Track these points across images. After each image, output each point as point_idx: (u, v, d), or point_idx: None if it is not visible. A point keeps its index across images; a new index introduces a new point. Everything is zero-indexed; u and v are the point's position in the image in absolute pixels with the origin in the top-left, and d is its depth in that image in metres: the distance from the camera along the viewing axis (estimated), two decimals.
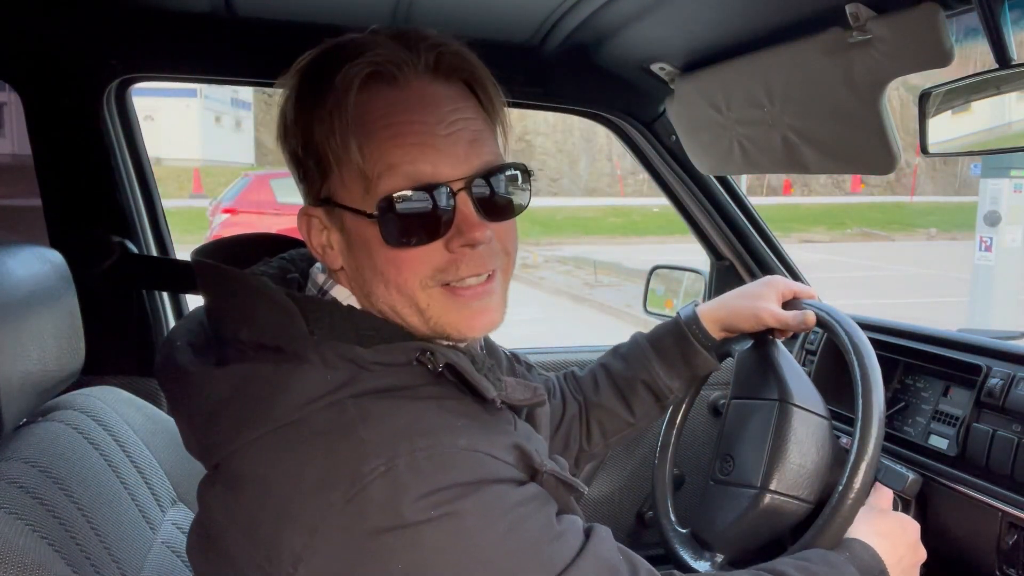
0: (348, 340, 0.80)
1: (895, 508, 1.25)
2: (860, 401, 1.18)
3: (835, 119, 1.42)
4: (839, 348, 1.26)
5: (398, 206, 0.80)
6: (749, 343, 1.36)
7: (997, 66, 1.11)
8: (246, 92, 27.93)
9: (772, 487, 1.22)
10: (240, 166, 22.41)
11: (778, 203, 21.15)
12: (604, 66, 1.84)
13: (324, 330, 0.81)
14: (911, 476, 1.25)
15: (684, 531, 1.37)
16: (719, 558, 1.27)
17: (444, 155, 0.81)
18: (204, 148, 26.37)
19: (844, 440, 1.28)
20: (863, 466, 1.14)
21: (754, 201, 2.10)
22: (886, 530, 1.13)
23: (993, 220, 7.54)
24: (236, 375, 0.79)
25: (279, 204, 10.98)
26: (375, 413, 0.76)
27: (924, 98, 1.23)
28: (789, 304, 1.34)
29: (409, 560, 0.71)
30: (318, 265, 0.92)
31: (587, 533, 0.82)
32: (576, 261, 13.53)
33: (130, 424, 1.20)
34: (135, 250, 1.73)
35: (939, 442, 1.43)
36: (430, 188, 0.80)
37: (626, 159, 23.07)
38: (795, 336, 1.74)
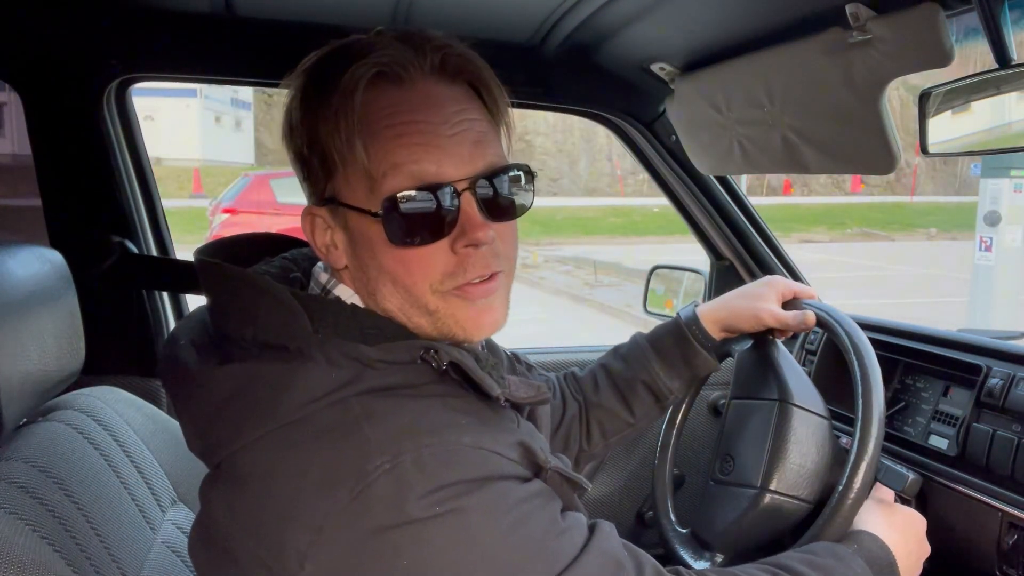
0: (352, 339, 0.81)
1: None
2: (860, 401, 1.18)
3: (835, 119, 1.42)
4: (839, 348, 1.26)
5: (402, 206, 0.80)
6: (749, 343, 1.36)
7: (997, 66, 1.11)
8: (246, 92, 27.93)
9: (772, 487, 1.22)
10: (240, 166, 22.41)
11: (778, 203, 21.16)
12: (604, 66, 1.84)
13: (328, 329, 0.81)
14: (911, 476, 1.25)
15: (684, 531, 1.37)
16: (719, 558, 1.27)
17: (449, 155, 0.81)
18: (204, 148, 26.38)
19: (844, 440, 1.28)
20: (863, 466, 1.14)
21: (754, 201, 2.10)
22: (897, 522, 1.13)
23: (993, 220, 7.54)
24: (240, 374, 0.80)
25: (279, 204, 10.98)
26: (379, 411, 0.76)
27: (924, 98, 1.23)
28: (789, 304, 1.34)
29: (415, 557, 0.72)
30: (320, 264, 0.93)
31: (591, 529, 0.82)
32: (576, 261, 13.53)
33: (130, 424, 1.20)
34: (135, 250, 1.73)
35: (939, 442, 1.43)
36: (434, 188, 0.81)
37: (626, 159, 23.07)
38: (795, 336, 1.74)
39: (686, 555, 1.31)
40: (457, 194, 0.82)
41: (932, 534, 1.17)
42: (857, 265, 13.93)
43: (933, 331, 1.58)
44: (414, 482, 0.72)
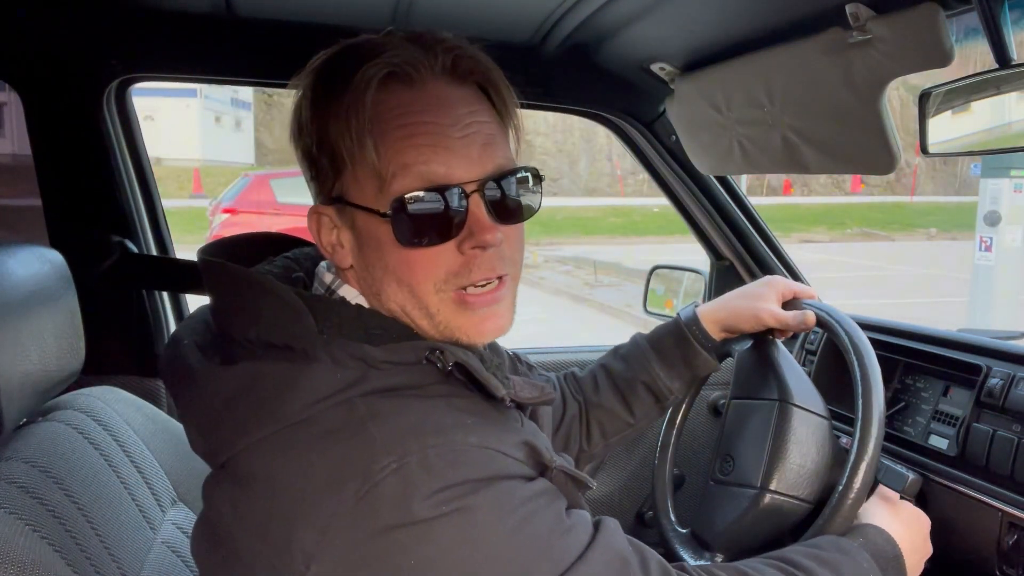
0: (357, 339, 0.81)
1: None
2: (860, 401, 1.18)
3: (835, 119, 1.42)
4: (839, 348, 1.26)
5: (411, 206, 0.80)
6: (749, 343, 1.36)
7: (997, 66, 1.11)
8: (246, 92, 27.95)
9: (772, 487, 1.22)
10: (240, 166, 22.41)
11: (778, 203, 21.15)
12: (604, 66, 1.84)
13: (333, 329, 0.81)
14: (911, 476, 1.25)
15: (684, 531, 1.37)
16: (719, 558, 1.27)
17: (458, 157, 0.82)
18: (204, 148, 26.39)
19: (844, 440, 1.28)
20: (863, 466, 1.14)
21: (754, 201, 2.10)
22: (903, 517, 1.13)
23: (993, 220, 7.54)
24: (244, 374, 0.80)
25: (279, 204, 10.97)
26: (385, 411, 0.76)
27: (924, 98, 1.23)
28: (789, 304, 1.34)
29: (421, 556, 0.72)
30: (324, 264, 0.93)
31: (596, 526, 0.83)
32: (576, 261, 13.53)
33: (130, 424, 1.20)
34: (135, 250, 1.73)
35: (939, 442, 1.43)
36: (443, 189, 0.81)
37: (626, 159, 23.07)
38: (795, 336, 1.74)
39: (686, 555, 1.31)
40: (466, 196, 0.82)
41: (932, 534, 1.18)
42: (857, 265, 13.93)
43: (933, 331, 1.58)
44: (420, 482, 0.72)
